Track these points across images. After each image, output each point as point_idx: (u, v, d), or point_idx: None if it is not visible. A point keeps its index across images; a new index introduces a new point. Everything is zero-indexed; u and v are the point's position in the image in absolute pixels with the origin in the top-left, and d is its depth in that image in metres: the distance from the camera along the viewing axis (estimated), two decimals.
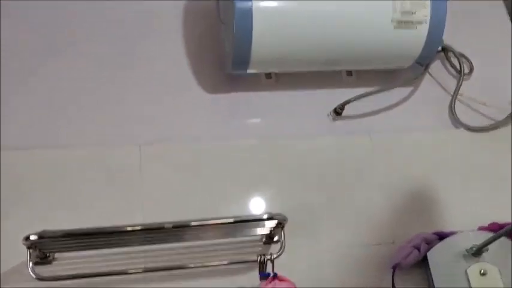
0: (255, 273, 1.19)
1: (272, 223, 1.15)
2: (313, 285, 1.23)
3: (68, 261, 1.21)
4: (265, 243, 1.27)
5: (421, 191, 1.40)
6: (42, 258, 1.19)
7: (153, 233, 1.13)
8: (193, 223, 1.11)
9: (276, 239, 1.26)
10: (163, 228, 1.11)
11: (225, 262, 1.22)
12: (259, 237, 1.28)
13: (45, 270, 1.17)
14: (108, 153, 1.33)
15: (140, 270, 1.19)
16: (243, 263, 1.21)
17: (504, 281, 1.24)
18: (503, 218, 1.32)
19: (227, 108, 1.45)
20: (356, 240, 1.32)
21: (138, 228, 1.10)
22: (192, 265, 1.21)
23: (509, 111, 1.51)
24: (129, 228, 1.09)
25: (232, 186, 1.34)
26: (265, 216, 1.14)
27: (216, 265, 1.22)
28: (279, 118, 1.46)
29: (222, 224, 1.13)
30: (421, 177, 1.41)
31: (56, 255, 1.21)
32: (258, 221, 1.15)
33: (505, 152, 1.47)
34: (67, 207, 1.26)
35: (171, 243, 1.22)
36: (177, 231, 1.14)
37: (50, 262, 1.20)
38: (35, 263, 1.16)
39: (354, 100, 1.41)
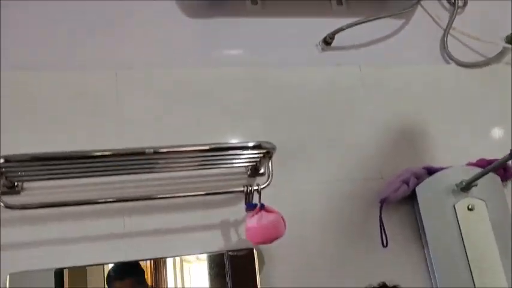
0: (241, 205, 1.14)
1: (259, 152, 1.08)
2: (300, 217, 1.19)
3: (37, 191, 1.12)
4: (250, 175, 1.21)
5: (410, 126, 1.35)
6: (10, 187, 1.10)
7: (126, 160, 1.04)
8: (166, 149, 1.03)
9: (262, 171, 1.20)
10: (134, 153, 1.02)
11: (207, 192, 1.15)
12: (243, 169, 1.21)
13: (13, 199, 1.08)
14: (83, 78, 1.23)
15: (112, 200, 1.11)
16: (227, 194, 1.15)
17: (491, 216, 1.23)
18: (491, 154, 1.29)
19: (210, 33, 1.35)
20: (344, 174, 1.27)
21: (108, 153, 1.01)
22: (169, 195, 1.13)
23: (501, 48, 1.47)
24: (98, 153, 1.01)
25: (215, 116, 1.26)
26: (250, 144, 1.07)
27: (198, 195, 1.15)
28: (265, 46, 1.37)
29: (202, 150, 1.06)
30: (411, 112, 1.37)
31: (25, 185, 1.12)
32: (243, 148, 1.08)
33: (495, 88, 1.44)
34: (39, 132, 1.16)
35: (148, 173, 1.14)
36: (152, 158, 1.05)
37: (18, 192, 1.11)
38: (2, 193, 1.07)
39: (347, 28, 1.33)
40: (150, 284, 1.10)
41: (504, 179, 1.29)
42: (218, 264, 1.12)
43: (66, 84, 1.21)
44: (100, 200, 1.09)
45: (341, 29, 1.32)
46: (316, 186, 1.25)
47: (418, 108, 1.37)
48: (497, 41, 1.46)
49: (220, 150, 1.09)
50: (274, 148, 1.06)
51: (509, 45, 1.44)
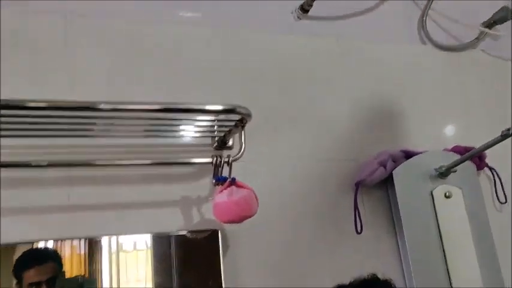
0: (205, 180, 1.00)
1: (232, 117, 0.95)
2: (269, 197, 1.06)
3: None
4: (216, 148, 1.07)
5: (387, 106, 1.27)
6: None
7: (68, 117, 0.87)
8: (121, 106, 0.86)
9: (230, 143, 1.07)
10: (79, 108, 0.84)
11: (163, 161, 1.01)
12: (209, 141, 1.08)
13: None
14: (30, 23, 1.03)
15: (44, 164, 0.92)
16: (190, 165, 1.02)
17: (466, 204, 1.17)
18: (465, 140, 1.24)
19: None
20: (316, 152, 1.17)
21: (43, 105, 0.82)
22: (113, 163, 0.98)
23: (478, 32, 1.42)
24: (31, 104, 0.81)
25: (178, 78, 1.11)
26: (220, 107, 0.92)
27: (154, 164, 1.00)
28: (235, 8, 1.23)
29: (162, 110, 0.90)
30: (388, 92, 1.28)
31: None
32: (213, 113, 0.94)
33: (471, 74, 1.39)
34: None
35: (92, 136, 0.97)
36: (100, 117, 0.89)
37: None
38: None
39: None
40: (83, 274, 0.93)
41: (479, 167, 1.24)
42: (166, 247, 0.99)
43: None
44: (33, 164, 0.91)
45: None
46: (286, 163, 1.13)
47: (395, 89, 1.29)
48: (475, 26, 1.41)
49: (183, 112, 0.93)
50: (250, 115, 0.93)
51: (487, 30, 1.39)
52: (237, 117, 0.94)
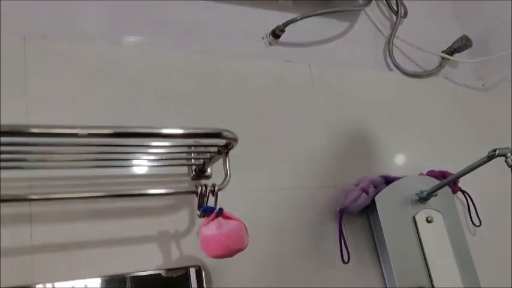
0: (182, 212, 0.92)
1: (214, 143, 0.88)
2: (252, 225, 0.95)
3: None
4: (194, 177, 0.99)
5: (361, 132, 1.25)
6: None
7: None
8: (95, 130, 0.77)
9: (208, 172, 0.99)
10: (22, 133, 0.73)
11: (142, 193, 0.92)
12: (185, 170, 1.00)
13: None
14: None
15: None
16: (169, 196, 0.94)
17: (447, 228, 1.16)
18: (436, 165, 1.24)
19: (144, 8, 1.13)
20: (295, 181, 1.12)
21: None
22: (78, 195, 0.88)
23: (439, 59, 1.46)
24: None
25: (147, 101, 1.03)
26: (199, 132, 0.85)
27: (134, 195, 0.91)
28: (206, 32, 1.18)
29: (141, 135, 0.81)
30: (361, 118, 1.27)
31: None
32: (196, 137, 0.87)
33: (436, 100, 1.41)
34: None
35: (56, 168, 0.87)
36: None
37: None
38: None
39: (300, 19, 1.20)
40: None
41: (453, 191, 1.24)
42: None
43: None
44: None
45: (295, 20, 1.19)
46: (266, 192, 1.07)
47: (367, 114, 1.28)
48: (437, 53, 1.45)
49: (164, 137, 0.86)
50: (236, 140, 0.86)
51: (449, 57, 1.43)
52: (221, 142, 0.88)
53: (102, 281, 0.85)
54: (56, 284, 0.82)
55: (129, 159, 0.90)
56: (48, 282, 0.82)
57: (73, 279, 0.84)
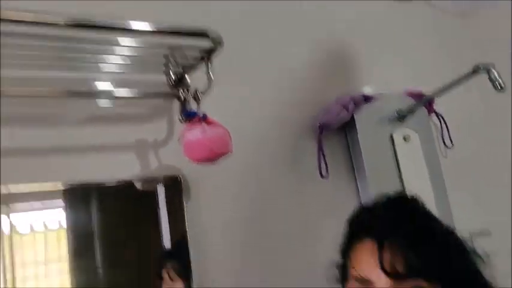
0: (161, 121, 0.88)
1: (199, 45, 0.82)
2: (233, 136, 0.91)
3: None
4: (173, 85, 0.94)
5: (343, 49, 1.22)
6: None
7: None
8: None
9: (189, 82, 0.94)
10: None
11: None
12: (163, 79, 0.94)
13: None
14: None
15: None
16: (148, 99, 0.89)
17: (422, 147, 1.17)
18: (416, 85, 1.23)
19: None
20: (279, 95, 1.09)
21: None
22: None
23: None
24: None
25: None
26: (187, 29, 0.78)
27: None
28: None
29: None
30: (343, 36, 1.23)
31: None
32: (183, 35, 0.80)
33: (417, 24, 1.38)
34: None
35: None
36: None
37: None
38: None
39: None
40: None
41: (428, 112, 1.25)
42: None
43: None
44: None
45: None
46: (248, 104, 1.05)
47: (350, 33, 1.25)
48: None
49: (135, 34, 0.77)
50: (221, 43, 0.82)
51: None
52: (205, 45, 0.82)
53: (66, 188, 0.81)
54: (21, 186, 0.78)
55: (95, 62, 0.82)
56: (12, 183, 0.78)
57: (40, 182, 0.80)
